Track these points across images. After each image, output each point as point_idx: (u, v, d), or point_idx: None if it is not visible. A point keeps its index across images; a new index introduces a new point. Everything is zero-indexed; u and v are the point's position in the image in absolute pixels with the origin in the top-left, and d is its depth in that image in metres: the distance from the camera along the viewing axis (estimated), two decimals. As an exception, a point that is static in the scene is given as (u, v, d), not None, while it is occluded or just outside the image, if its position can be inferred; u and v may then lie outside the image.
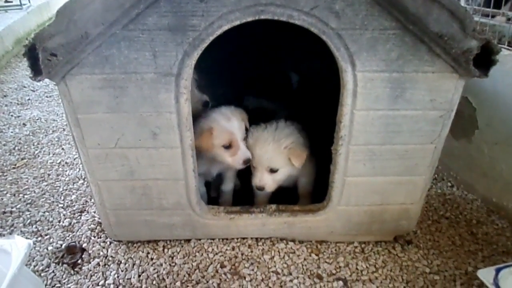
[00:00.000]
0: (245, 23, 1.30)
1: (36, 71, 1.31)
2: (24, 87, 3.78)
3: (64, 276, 1.68)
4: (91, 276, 1.68)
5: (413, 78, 1.40)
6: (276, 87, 1.70)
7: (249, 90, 1.76)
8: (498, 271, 1.37)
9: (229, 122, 1.68)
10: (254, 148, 1.69)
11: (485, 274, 1.38)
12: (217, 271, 1.69)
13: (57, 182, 2.31)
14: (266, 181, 1.70)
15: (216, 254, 1.77)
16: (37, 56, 1.27)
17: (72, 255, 1.77)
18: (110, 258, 1.76)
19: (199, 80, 1.91)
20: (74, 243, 1.83)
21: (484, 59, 1.32)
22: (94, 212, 2.01)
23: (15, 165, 2.49)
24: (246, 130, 1.74)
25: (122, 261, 1.74)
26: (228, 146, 1.68)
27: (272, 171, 1.70)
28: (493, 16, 2.25)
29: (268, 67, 2.15)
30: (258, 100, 2.03)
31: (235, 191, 2.01)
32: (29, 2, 5.65)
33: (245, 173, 1.87)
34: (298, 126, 1.78)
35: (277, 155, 1.68)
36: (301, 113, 1.86)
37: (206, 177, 1.97)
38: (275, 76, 2.13)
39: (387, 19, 1.30)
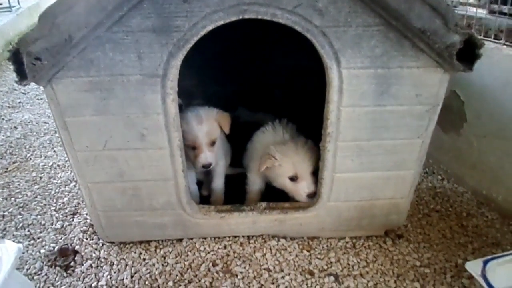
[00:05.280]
0: (233, 22, 1.31)
1: (22, 76, 1.30)
2: (15, 90, 3.75)
3: (57, 279, 1.68)
4: (84, 278, 1.68)
5: (398, 74, 1.41)
6: (263, 101, 1.84)
7: (241, 102, 1.87)
8: (485, 263, 1.38)
9: (198, 125, 1.72)
10: (297, 158, 1.74)
11: (473, 266, 1.39)
12: (209, 270, 1.70)
13: (49, 185, 2.30)
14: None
15: (208, 253, 1.78)
16: (22, 60, 1.26)
17: (65, 257, 1.77)
18: (103, 260, 1.77)
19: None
20: (66, 246, 1.83)
21: (468, 54, 1.33)
22: (86, 214, 2.01)
23: (7, 168, 2.49)
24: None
25: (115, 262, 1.75)
26: (193, 148, 1.75)
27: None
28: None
29: (256, 80, 2.30)
30: (250, 112, 2.12)
31: (228, 188, 2.02)
32: (19, 4, 5.59)
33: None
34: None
35: (313, 155, 1.75)
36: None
37: (196, 171, 1.98)
38: (262, 91, 2.31)
39: (370, 16, 1.30)
